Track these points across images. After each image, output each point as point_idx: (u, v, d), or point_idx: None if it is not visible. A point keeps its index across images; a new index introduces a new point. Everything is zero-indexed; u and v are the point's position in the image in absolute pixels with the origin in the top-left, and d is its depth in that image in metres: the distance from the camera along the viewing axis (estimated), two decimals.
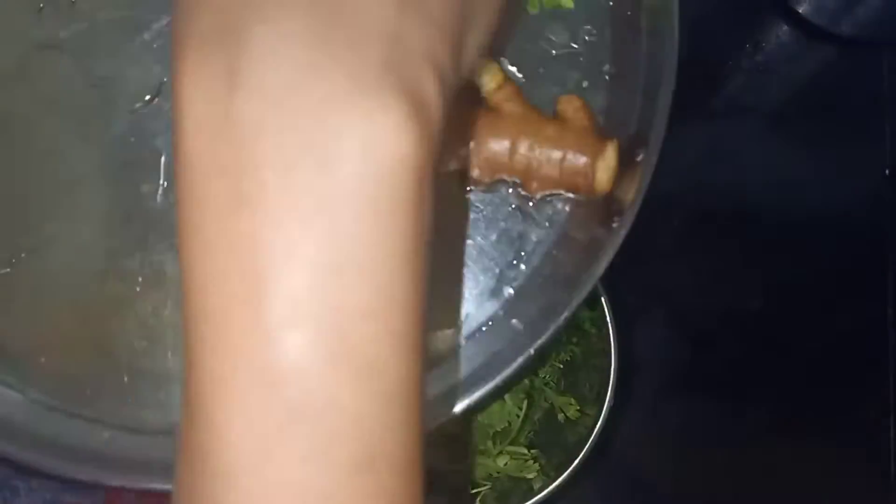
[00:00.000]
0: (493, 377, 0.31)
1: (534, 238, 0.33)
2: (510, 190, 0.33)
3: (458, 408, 0.31)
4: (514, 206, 0.33)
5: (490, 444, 0.44)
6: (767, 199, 0.56)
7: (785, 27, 0.59)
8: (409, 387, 0.19)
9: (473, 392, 0.31)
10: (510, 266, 0.33)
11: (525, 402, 0.44)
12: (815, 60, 0.59)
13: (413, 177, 0.18)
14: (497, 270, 0.33)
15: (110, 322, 0.31)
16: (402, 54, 0.19)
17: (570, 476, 0.40)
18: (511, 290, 0.33)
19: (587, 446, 0.40)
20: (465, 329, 0.33)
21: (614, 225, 0.31)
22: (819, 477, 0.52)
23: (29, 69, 0.32)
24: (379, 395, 0.18)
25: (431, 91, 0.20)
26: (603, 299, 0.41)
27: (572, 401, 0.44)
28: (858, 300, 0.55)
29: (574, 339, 0.45)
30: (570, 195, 0.33)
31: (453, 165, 0.32)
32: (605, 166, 0.31)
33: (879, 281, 0.55)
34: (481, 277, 0.33)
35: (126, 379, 0.31)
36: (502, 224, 0.33)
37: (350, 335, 0.18)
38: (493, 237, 0.33)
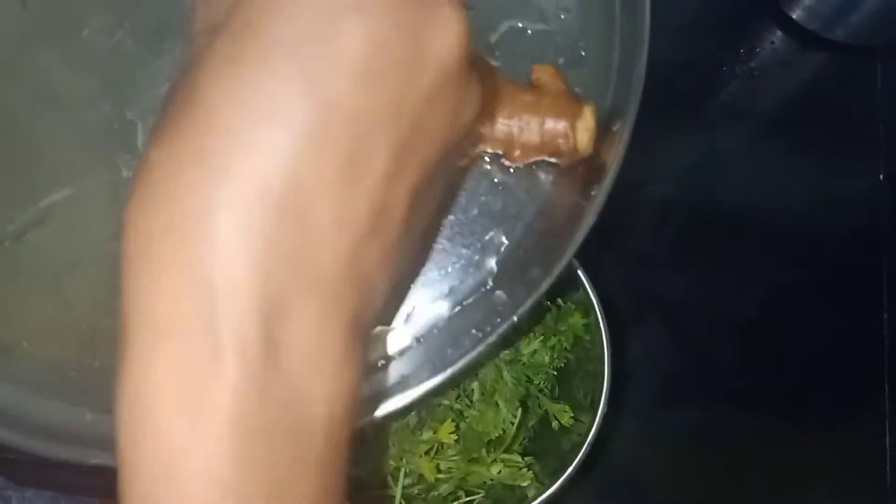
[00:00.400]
0: (477, 346, 0.32)
1: (514, 210, 0.34)
2: (489, 163, 0.34)
3: (448, 373, 0.32)
4: (494, 179, 0.34)
5: (484, 451, 0.43)
6: (762, 205, 0.56)
7: (779, 33, 0.59)
8: None
9: (458, 361, 0.32)
10: (492, 239, 0.34)
11: (519, 410, 0.44)
12: (809, 66, 0.59)
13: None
14: (479, 245, 0.33)
15: (93, 305, 0.32)
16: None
17: (564, 483, 0.40)
18: (494, 263, 0.33)
19: (581, 453, 0.40)
20: (451, 301, 0.33)
21: (593, 193, 0.32)
22: (814, 482, 0.52)
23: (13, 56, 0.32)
24: None
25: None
26: (596, 305, 0.41)
27: (567, 408, 0.44)
28: (854, 306, 0.55)
29: (568, 346, 0.45)
30: (553, 160, 0.33)
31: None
32: (585, 127, 0.32)
33: (875, 286, 0.55)
34: (464, 251, 0.33)
35: (108, 362, 0.31)
36: (483, 198, 0.34)
37: None
38: (475, 211, 0.34)
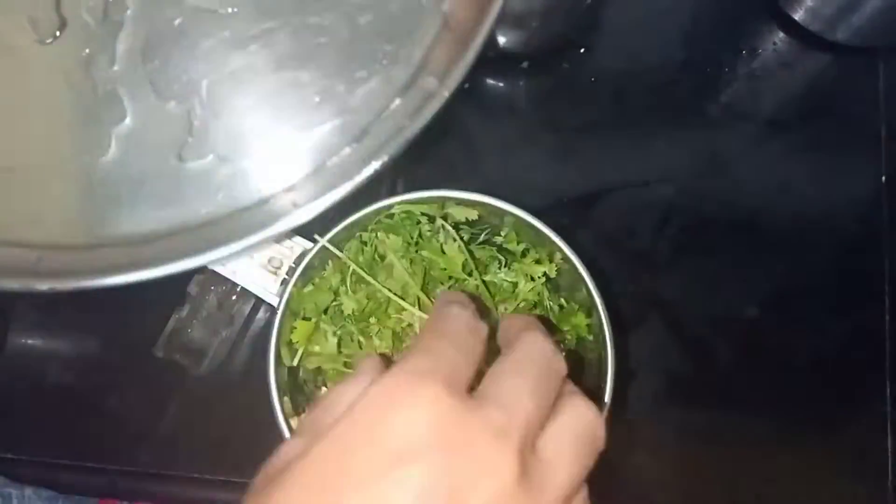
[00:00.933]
0: (412, 128, 0.33)
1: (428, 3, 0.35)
2: None
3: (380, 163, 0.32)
4: None
5: None
6: (764, 206, 0.56)
7: (780, 34, 0.59)
8: None
9: (392, 146, 0.33)
10: (412, 32, 0.35)
11: None
12: (810, 67, 0.59)
13: None
14: (401, 38, 0.35)
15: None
16: None
17: None
18: (419, 52, 0.35)
19: None
20: (389, 93, 0.34)
21: None
22: (815, 484, 0.52)
23: None
24: None
25: None
26: (599, 305, 0.40)
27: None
28: (856, 307, 0.55)
29: (571, 346, 0.45)
30: None
31: None
32: None
33: (877, 287, 0.55)
34: (387, 47, 0.35)
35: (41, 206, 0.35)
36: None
37: None
38: (394, 7, 0.35)
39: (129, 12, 0.35)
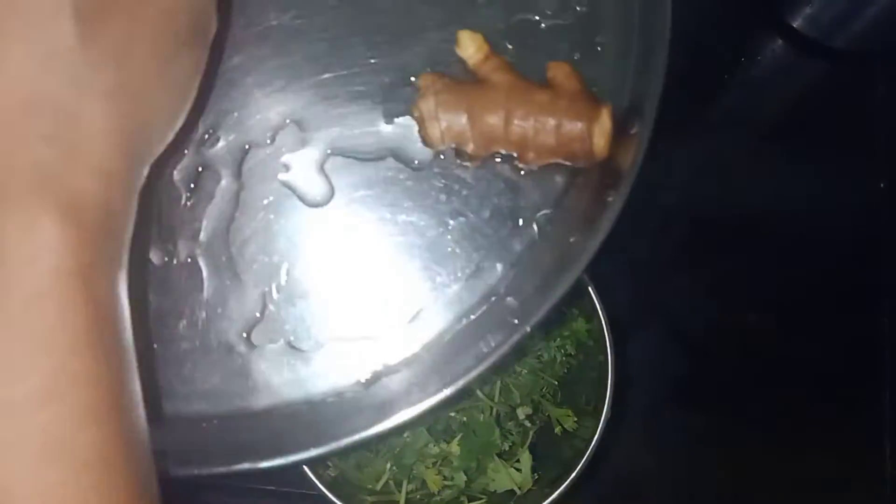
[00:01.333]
0: (487, 358, 0.31)
1: (527, 214, 0.33)
2: (502, 164, 0.33)
3: (457, 385, 0.30)
4: (507, 180, 0.33)
5: (488, 459, 0.43)
6: (763, 213, 0.56)
7: (779, 41, 0.59)
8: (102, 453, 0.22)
9: (468, 374, 0.31)
10: (504, 243, 0.33)
11: (526, 420, 0.44)
12: (809, 74, 0.59)
13: (73, 280, 0.21)
14: (490, 249, 0.33)
15: None
16: (54, 162, 0.22)
17: (566, 489, 0.40)
18: (505, 269, 0.32)
19: (585, 458, 0.40)
20: (460, 308, 0.32)
21: (609, 199, 0.31)
22: (815, 488, 0.52)
23: None
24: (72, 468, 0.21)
25: (91, 193, 0.22)
26: (600, 310, 0.41)
27: (570, 412, 0.44)
28: (854, 313, 0.55)
29: (571, 352, 0.45)
30: (567, 163, 0.32)
31: (448, 143, 0.32)
32: (602, 131, 0.31)
33: (875, 293, 0.55)
34: (474, 255, 0.33)
35: None
36: (495, 200, 0.33)
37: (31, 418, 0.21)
38: (486, 214, 0.33)
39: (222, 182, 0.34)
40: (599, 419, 0.40)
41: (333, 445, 0.31)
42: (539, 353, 0.44)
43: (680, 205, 0.56)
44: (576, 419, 0.43)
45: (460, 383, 0.30)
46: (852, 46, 0.57)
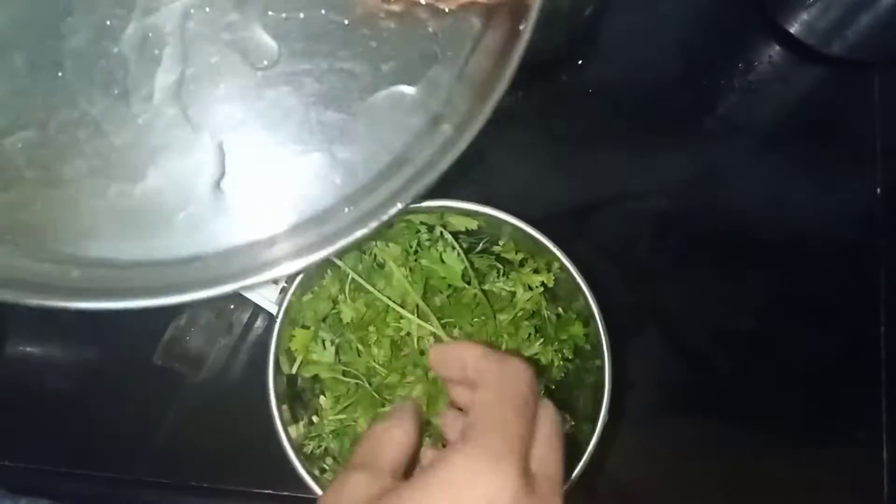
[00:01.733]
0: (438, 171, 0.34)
1: (450, 53, 0.36)
2: (423, 13, 0.36)
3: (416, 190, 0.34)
4: (429, 26, 0.37)
5: None
6: (760, 218, 0.56)
7: (777, 47, 0.59)
8: None
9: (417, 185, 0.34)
10: (433, 80, 0.36)
11: None
12: (806, 80, 0.60)
13: None
14: (421, 85, 0.36)
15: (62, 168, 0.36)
16: None
17: (563, 494, 0.40)
18: (436, 100, 0.36)
19: (582, 462, 0.40)
20: (404, 140, 0.36)
21: (521, 27, 0.34)
22: (811, 495, 0.52)
23: None
24: None
25: None
26: (597, 316, 0.41)
27: (567, 416, 0.44)
28: (851, 318, 0.55)
29: (569, 356, 0.45)
30: (482, 1, 0.35)
31: None
32: None
33: (872, 298, 0.55)
34: (407, 92, 0.36)
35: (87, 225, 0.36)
36: (421, 43, 0.37)
37: None
38: (415, 55, 0.37)
39: (167, 49, 0.37)
40: (596, 424, 0.40)
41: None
42: (536, 357, 0.44)
43: (677, 210, 0.56)
44: (573, 424, 0.43)
45: (395, 210, 0.33)
46: (849, 53, 0.57)
